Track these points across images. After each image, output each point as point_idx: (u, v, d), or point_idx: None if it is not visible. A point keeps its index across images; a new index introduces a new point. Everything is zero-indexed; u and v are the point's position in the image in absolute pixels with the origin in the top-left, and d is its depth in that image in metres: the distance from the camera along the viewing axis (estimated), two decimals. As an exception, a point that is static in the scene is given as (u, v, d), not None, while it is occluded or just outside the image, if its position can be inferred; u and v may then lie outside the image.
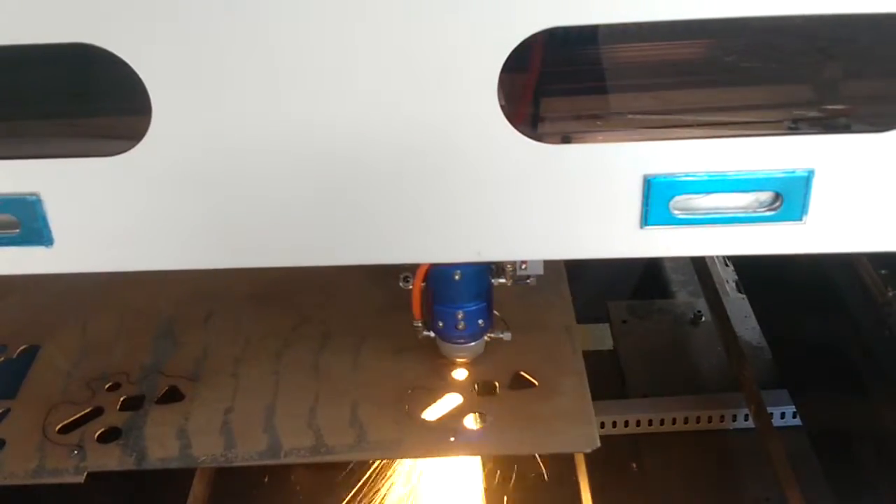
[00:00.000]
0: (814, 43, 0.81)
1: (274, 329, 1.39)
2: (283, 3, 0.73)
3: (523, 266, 1.15)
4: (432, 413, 1.24)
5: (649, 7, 0.73)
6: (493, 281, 1.21)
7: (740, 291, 1.73)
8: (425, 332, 1.26)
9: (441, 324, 1.23)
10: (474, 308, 1.21)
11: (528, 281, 1.18)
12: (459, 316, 1.21)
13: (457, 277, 1.17)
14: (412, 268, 1.18)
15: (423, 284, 1.20)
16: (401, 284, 1.19)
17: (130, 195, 0.82)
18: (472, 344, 1.26)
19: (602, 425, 1.47)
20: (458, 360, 1.29)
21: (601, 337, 1.56)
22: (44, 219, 0.82)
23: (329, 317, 1.41)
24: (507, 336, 1.28)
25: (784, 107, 0.84)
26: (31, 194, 0.81)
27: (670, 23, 0.73)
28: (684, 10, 0.73)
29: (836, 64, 0.83)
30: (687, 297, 1.80)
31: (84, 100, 0.85)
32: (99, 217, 0.83)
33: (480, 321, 1.23)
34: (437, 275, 1.18)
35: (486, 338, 1.27)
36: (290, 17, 0.73)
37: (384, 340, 1.36)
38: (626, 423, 1.52)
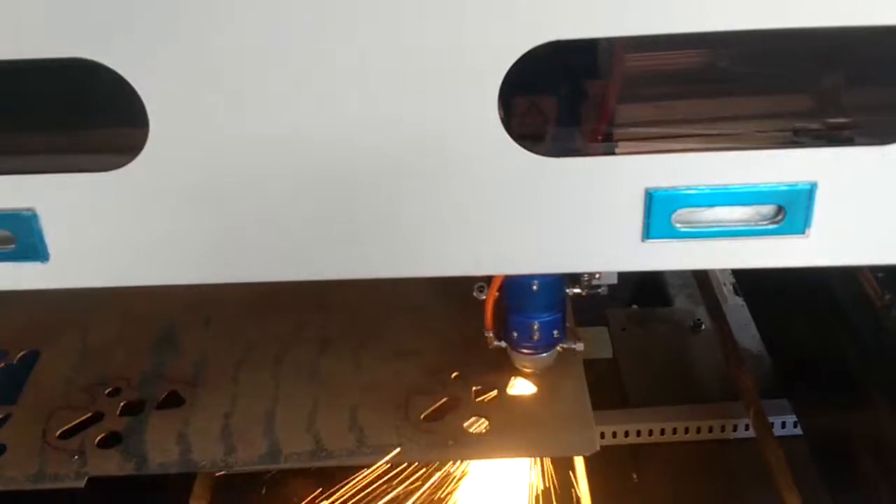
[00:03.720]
0: (817, 54, 0.80)
1: (274, 334, 1.39)
2: (282, 16, 0.72)
3: (597, 276, 1.14)
4: (432, 417, 1.24)
5: (653, 21, 0.72)
6: (567, 291, 1.20)
7: (737, 294, 1.73)
8: (496, 343, 1.25)
9: (515, 334, 1.22)
10: (549, 319, 1.20)
11: (600, 290, 1.18)
12: (535, 327, 1.20)
13: (534, 288, 1.15)
14: (486, 277, 1.16)
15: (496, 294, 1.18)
16: (474, 294, 1.18)
17: (127, 210, 0.81)
18: (545, 355, 1.24)
19: (602, 435, 1.47)
20: (527, 370, 1.27)
21: (600, 341, 1.55)
22: (39, 234, 0.82)
23: (328, 321, 1.41)
24: (579, 347, 1.26)
25: (787, 118, 0.83)
26: (27, 209, 0.81)
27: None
28: (689, 25, 0.72)
29: (839, 75, 0.83)
30: (686, 301, 1.79)
31: (80, 113, 0.85)
32: (95, 232, 0.83)
33: (555, 332, 1.22)
34: (514, 285, 1.17)
35: (558, 348, 1.25)
36: (289, 29, 0.73)
37: (383, 345, 1.36)
38: (626, 434, 1.52)
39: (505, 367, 1.29)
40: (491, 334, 1.24)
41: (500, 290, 1.18)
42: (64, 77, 0.79)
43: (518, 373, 1.29)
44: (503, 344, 1.25)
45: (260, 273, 0.85)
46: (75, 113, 0.84)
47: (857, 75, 0.83)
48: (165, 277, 0.85)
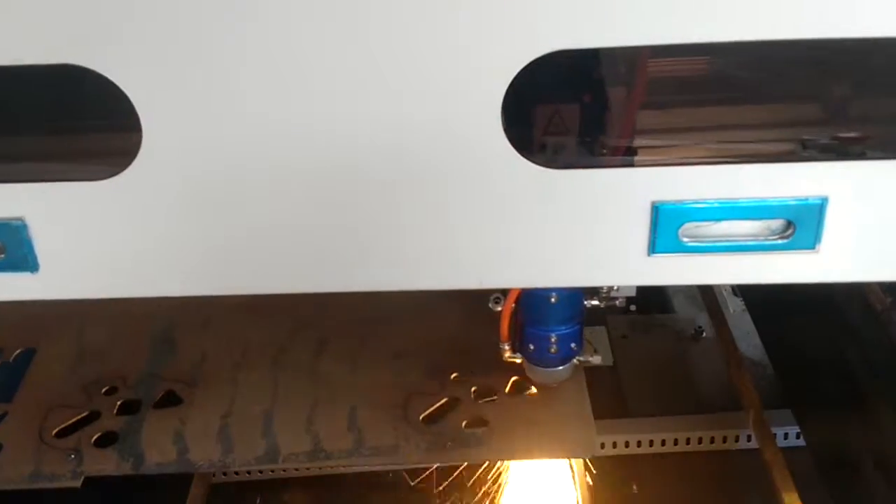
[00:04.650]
0: (829, 66, 0.78)
1: (272, 334, 1.38)
2: (281, 23, 0.70)
3: (616, 288, 1.13)
4: (431, 418, 1.23)
5: (659, 31, 0.70)
6: (585, 303, 1.17)
7: (736, 295, 1.71)
8: (511, 355, 1.23)
9: (532, 347, 1.19)
10: (567, 331, 1.18)
11: (618, 302, 1.16)
12: (552, 339, 1.17)
13: (552, 300, 1.13)
14: (503, 289, 1.14)
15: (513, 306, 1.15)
16: (490, 306, 1.16)
17: (119, 220, 0.80)
18: (561, 368, 1.22)
19: (602, 445, 1.46)
20: (543, 383, 1.26)
21: (599, 343, 1.54)
22: (29, 244, 0.80)
23: (327, 322, 1.39)
24: (596, 359, 1.24)
25: (797, 131, 0.81)
26: (16, 219, 0.79)
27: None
28: (694, 35, 0.70)
29: (851, 87, 0.80)
30: (687, 307, 1.77)
31: (71, 120, 0.83)
32: (86, 243, 0.81)
33: (573, 344, 1.20)
34: (532, 297, 1.14)
35: (575, 361, 1.23)
36: (287, 37, 0.70)
37: (382, 345, 1.35)
38: (627, 444, 1.50)
39: (504, 369, 1.28)
40: (507, 346, 1.22)
41: (516, 301, 1.16)
42: (54, 84, 0.77)
43: (518, 374, 1.28)
44: (518, 358, 1.23)
45: (256, 285, 0.83)
46: (66, 120, 0.82)
47: (869, 87, 0.80)
48: (159, 289, 0.83)
